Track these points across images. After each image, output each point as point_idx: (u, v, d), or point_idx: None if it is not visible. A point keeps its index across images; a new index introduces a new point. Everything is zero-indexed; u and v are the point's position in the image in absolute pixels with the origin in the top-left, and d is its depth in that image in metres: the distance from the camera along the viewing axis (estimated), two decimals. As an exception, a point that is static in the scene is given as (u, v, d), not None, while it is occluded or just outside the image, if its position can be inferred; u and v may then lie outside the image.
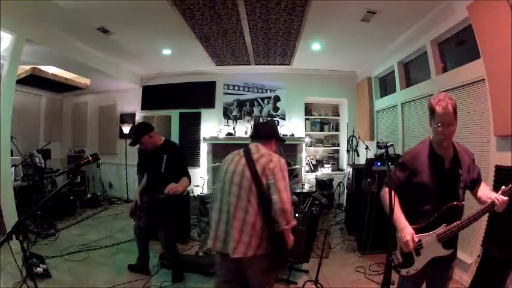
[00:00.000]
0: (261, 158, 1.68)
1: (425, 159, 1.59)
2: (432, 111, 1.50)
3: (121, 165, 6.50)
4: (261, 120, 5.96)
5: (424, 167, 1.58)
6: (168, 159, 2.63)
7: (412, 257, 1.59)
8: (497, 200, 1.41)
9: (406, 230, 1.52)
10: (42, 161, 4.89)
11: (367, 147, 5.23)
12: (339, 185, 5.58)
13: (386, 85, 5.23)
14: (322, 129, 6.47)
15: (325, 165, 6.28)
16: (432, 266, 1.57)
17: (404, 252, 1.59)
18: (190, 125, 6.22)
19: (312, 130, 6.42)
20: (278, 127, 5.72)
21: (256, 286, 1.72)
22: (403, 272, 1.62)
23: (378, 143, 1.65)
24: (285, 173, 1.67)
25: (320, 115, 6.51)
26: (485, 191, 1.57)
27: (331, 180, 5.25)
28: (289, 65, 5.60)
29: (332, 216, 5.07)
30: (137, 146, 2.73)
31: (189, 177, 2.72)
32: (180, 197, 2.80)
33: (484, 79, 2.60)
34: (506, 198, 1.40)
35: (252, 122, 5.94)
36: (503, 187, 1.44)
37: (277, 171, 1.63)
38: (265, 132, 1.90)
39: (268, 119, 5.98)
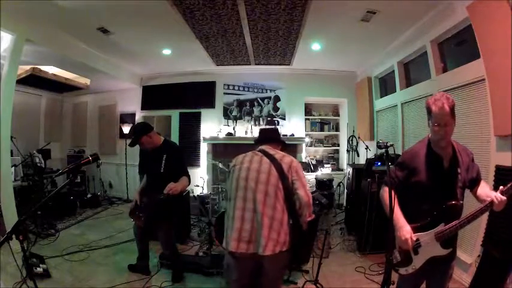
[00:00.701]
0: (283, 157, 1.78)
1: (423, 158, 1.59)
2: (429, 110, 1.50)
3: (121, 165, 6.50)
4: (261, 120, 5.97)
5: (422, 166, 1.58)
6: (168, 159, 2.63)
7: (410, 255, 1.59)
8: (496, 199, 1.41)
9: (404, 229, 1.52)
10: (42, 161, 4.88)
11: (367, 147, 5.23)
12: (339, 185, 5.57)
13: (386, 85, 5.23)
14: (322, 129, 6.48)
15: (325, 165, 6.28)
16: (431, 265, 1.57)
17: (403, 250, 1.59)
18: (190, 125, 6.22)
19: (312, 130, 6.43)
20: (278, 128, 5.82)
21: (274, 282, 1.77)
22: (402, 270, 1.63)
23: (377, 143, 1.65)
24: (303, 172, 1.81)
25: (320, 115, 6.52)
26: (485, 190, 1.57)
27: (331, 180, 5.24)
28: (289, 65, 5.60)
29: (332, 216, 5.07)
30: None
31: (188, 176, 2.72)
32: (180, 196, 2.80)
33: (484, 79, 2.60)
34: (504, 197, 1.40)
35: (252, 124, 5.95)
36: (501, 187, 1.44)
37: (299, 169, 1.77)
38: (275, 136, 2.04)
39: (270, 121, 5.97)
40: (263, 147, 1.89)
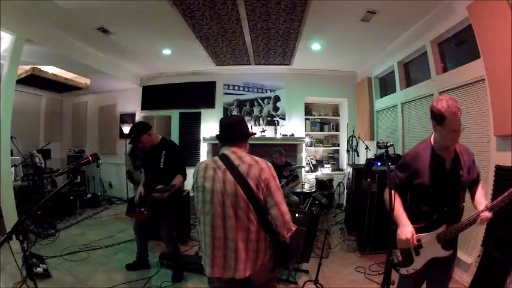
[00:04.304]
0: (249, 169, 1.46)
1: (426, 160, 1.58)
2: (441, 118, 1.45)
3: (121, 165, 6.49)
4: (261, 120, 5.94)
5: (424, 168, 1.58)
6: (167, 155, 2.73)
7: (411, 256, 1.59)
8: (480, 216, 1.45)
9: (406, 229, 1.52)
10: (42, 161, 4.90)
11: (367, 147, 5.23)
12: (339, 185, 5.58)
13: (386, 85, 5.23)
14: (322, 129, 6.48)
15: (325, 165, 6.29)
16: (432, 266, 1.57)
17: (404, 250, 1.59)
18: (190, 125, 6.22)
19: (312, 130, 6.42)
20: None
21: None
22: (403, 270, 1.63)
23: (378, 143, 1.65)
24: (276, 180, 1.52)
25: (320, 115, 6.52)
26: (478, 196, 1.60)
27: (331, 180, 5.26)
28: (289, 65, 5.60)
29: (332, 216, 5.07)
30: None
31: (184, 173, 2.83)
32: (179, 193, 2.92)
33: (484, 79, 2.60)
34: (489, 215, 1.44)
35: (252, 124, 5.90)
36: (486, 203, 1.49)
37: (270, 181, 1.47)
38: (241, 132, 1.62)
39: (269, 121, 5.95)
40: (226, 151, 1.56)
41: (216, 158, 1.56)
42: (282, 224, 1.46)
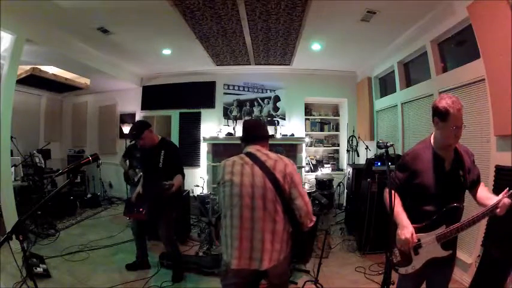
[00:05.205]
0: (275, 163, 1.60)
1: (425, 160, 1.59)
2: (445, 114, 1.46)
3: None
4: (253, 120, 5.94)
5: (424, 168, 1.58)
6: (166, 155, 2.75)
7: (410, 256, 1.59)
8: (503, 202, 1.39)
9: (406, 229, 1.52)
10: (42, 161, 4.89)
11: (367, 147, 5.23)
12: (339, 185, 5.58)
13: (386, 85, 5.23)
14: (322, 129, 6.48)
15: (325, 165, 6.28)
16: (431, 266, 1.57)
17: (403, 250, 1.59)
18: (190, 125, 6.22)
19: (312, 130, 6.42)
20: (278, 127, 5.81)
21: (283, 283, 1.77)
22: (402, 270, 1.63)
23: (378, 143, 1.65)
24: (298, 174, 1.66)
25: (320, 115, 6.52)
26: (484, 193, 1.57)
27: (331, 180, 5.25)
28: (289, 65, 5.60)
29: (332, 216, 5.07)
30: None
31: (183, 174, 2.84)
32: (178, 193, 2.89)
33: (484, 79, 2.60)
34: (509, 201, 1.39)
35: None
36: (505, 191, 1.42)
37: (294, 174, 1.61)
38: (264, 133, 1.81)
39: (269, 121, 5.97)
40: (251, 149, 1.68)
41: (242, 155, 1.68)
42: (306, 213, 1.60)
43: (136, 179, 4.34)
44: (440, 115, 1.49)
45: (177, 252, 2.94)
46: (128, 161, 4.51)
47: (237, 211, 1.56)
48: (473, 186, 1.62)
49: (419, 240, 1.55)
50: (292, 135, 5.79)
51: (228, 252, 1.58)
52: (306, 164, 6.13)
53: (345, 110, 6.16)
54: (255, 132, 1.78)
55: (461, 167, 1.57)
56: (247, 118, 5.82)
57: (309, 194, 4.58)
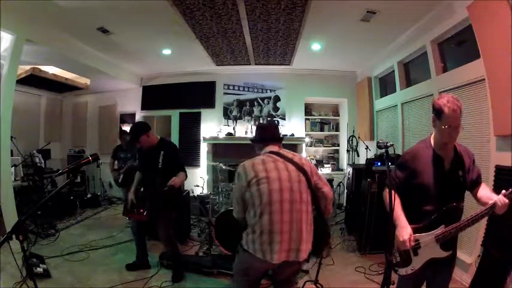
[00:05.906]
0: (300, 160, 1.76)
1: (425, 159, 1.58)
2: (439, 112, 1.47)
3: (121, 165, 6.48)
4: (261, 120, 5.96)
5: (424, 168, 1.57)
6: (165, 155, 2.73)
7: (409, 256, 1.59)
8: (500, 201, 1.39)
9: (404, 230, 1.52)
10: (42, 161, 4.89)
11: (367, 147, 5.23)
12: (339, 185, 5.57)
13: (386, 85, 5.23)
14: (322, 129, 6.48)
15: (325, 165, 6.29)
16: (431, 267, 1.57)
17: (401, 251, 1.59)
18: (190, 125, 6.22)
19: (312, 130, 6.42)
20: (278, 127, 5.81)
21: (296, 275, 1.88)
22: (401, 271, 1.62)
23: (378, 143, 1.65)
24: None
25: (320, 115, 6.52)
26: (486, 193, 1.55)
27: (331, 180, 5.25)
28: (289, 65, 5.60)
29: (332, 216, 5.07)
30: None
31: (185, 172, 2.82)
32: (178, 192, 2.90)
33: (484, 79, 2.60)
34: (507, 201, 1.38)
35: (252, 123, 5.93)
36: (503, 191, 1.42)
37: (314, 169, 1.80)
38: (279, 134, 1.98)
39: (268, 119, 5.99)
40: (273, 148, 1.79)
41: (268, 154, 1.77)
42: (331, 199, 1.78)
43: (120, 180, 4.38)
44: (436, 113, 1.51)
45: (176, 252, 2.94)
46: (116, 162, 4.58)
47: (277, 206, 1.59)
48: (474, 186, 1.61)
49: (417, 241, 1.55)
50: (292, 135, 5.79)
51: (266, 249, 1.56)
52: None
53: (345, 110, 6.16)
54: (274, 133, 1.91)
55: (461, 166, 1.57)
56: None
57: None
